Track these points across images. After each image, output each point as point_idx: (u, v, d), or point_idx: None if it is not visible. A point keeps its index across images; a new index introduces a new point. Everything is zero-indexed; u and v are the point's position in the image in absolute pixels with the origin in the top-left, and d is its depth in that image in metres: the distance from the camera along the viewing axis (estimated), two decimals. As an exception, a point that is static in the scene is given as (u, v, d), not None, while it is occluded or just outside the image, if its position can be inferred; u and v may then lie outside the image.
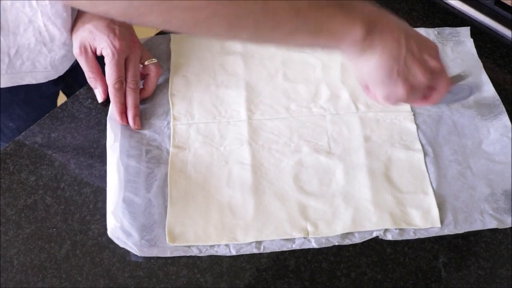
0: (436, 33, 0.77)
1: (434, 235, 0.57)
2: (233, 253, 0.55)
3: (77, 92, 0.69)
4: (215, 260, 0.55)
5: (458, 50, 0.75)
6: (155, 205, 0.58)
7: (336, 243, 0.56)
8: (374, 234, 0.57)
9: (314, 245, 0.56)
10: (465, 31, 0.77)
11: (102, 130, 0.65)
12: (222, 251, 0.56)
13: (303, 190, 0.60)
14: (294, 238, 0.56)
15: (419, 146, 0.64)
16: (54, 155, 0.63)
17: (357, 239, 0.57)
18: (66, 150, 0.64)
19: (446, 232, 0.57)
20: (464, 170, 0.62)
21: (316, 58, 0.73)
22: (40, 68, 0.69)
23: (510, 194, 0.60)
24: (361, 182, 0.61)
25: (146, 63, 0.68)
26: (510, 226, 0.58)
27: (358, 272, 0.55)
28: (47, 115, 0.67)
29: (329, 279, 0.55)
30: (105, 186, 0.59)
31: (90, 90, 0.69)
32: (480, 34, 0.78)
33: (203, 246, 0.56)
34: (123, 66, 0.65)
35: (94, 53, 0.65)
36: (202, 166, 0.62)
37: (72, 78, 0.79)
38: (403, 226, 0.57)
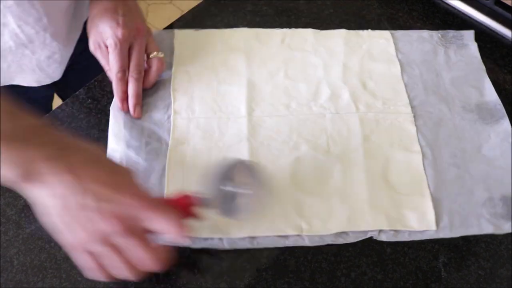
0: (440, 35, 0.76)
1: (428, 237, 0.57)
2: (226, 246, 0.55)
3: (77, 92, 0.69)
4: (215, 260, 0.55)
5: (462, 53, 0.75)
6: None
7: (330, 242, 0.56)
8: (369, 235, 0.57)
9: (307, 242, 0.56)
10: (469, 34, 0.77)
11: (102, 130, 0.65)
12: (215, 244, 0.55)
13: (300, 188, 0.60)
14: (288, 235, 0.56)
15: (418, 148, 0.64)
16: (54, 154, 0.63)
17: (351, 239, 0.57)
18: (66, 150, 0.64)
19: (441, 235, 0.57)
20: (462, 174, 0.62)
21: (317, 57, 0.73)
22: (28, 70, 0.69)
23: (509, 199, 0.60)
24: (358, 182, 0.60)
25: (151, 56, 0.68)
26: (506, 232, 0.58)
27: (358, 272, 0.55)
28: (47, 115, 0.67)
29: (329, 279, 0.55)
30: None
31: (90, 90, 0.69)
32: (481, 35, 0.78)
33: (196, 238, 0.55)
34: (126, 55, 0.65)
35: (107, 46, 0.65)
36: (200, 160, 0.62)
37: (64, 84, 0.78)
38: (398, 227, 0.57)
